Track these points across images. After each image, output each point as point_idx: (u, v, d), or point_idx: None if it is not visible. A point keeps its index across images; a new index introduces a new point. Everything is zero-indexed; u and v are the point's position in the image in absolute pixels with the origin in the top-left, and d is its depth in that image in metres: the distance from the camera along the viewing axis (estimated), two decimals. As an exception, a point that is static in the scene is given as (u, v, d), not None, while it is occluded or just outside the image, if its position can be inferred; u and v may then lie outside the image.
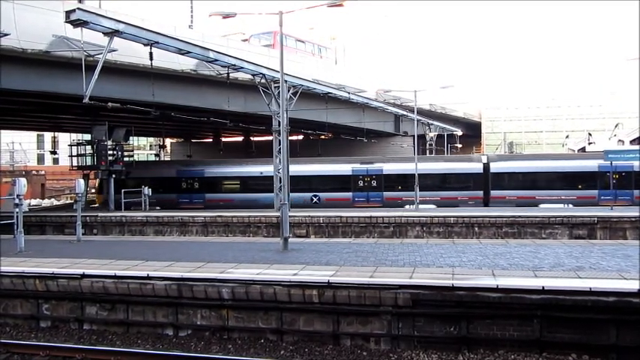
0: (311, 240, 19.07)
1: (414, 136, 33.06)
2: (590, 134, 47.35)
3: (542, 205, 26.64)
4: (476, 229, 21.67)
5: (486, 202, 28.71)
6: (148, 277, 11.19)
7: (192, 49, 22.21)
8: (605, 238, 20.35)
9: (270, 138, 30.64)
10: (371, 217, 22.82)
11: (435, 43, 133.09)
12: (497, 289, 9.57)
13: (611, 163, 25.25)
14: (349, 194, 30.38)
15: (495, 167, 28.94)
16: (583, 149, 45.60)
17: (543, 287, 9.42)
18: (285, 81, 25.51)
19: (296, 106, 27.77)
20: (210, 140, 53.58)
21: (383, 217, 22.74)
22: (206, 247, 15.72)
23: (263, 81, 25.90)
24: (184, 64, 24.90)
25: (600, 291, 9.25)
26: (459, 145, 55.59)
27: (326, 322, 10.35)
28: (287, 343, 10.37)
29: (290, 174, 30.03)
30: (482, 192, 28.80)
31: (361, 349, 10.04)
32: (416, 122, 31.42)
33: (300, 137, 48.85)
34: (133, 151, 33.91)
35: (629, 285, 9.38)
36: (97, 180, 33.30)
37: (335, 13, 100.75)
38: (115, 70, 22.32)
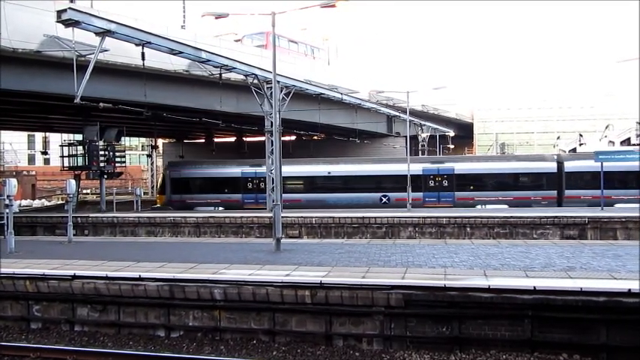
0: (304, 240, 19.08)
1: (406, 136, 33.09)
2: (581, 135, 47.73)
3: (617, 205, 25.94)
4: (468, 229, 21.76)
5: (559, 202, 28.38)
6: (140, 278, 11.14)
7: (184, 50, 22.16)
8: (595, 239, 20.51)
9: (262, 138, 30.64)
10: (363, 217, 22.86)
11: (428, 43, 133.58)
12: (488, 290, 9.61)
13: None
14: (420, 194, 29.81)
15: (569, 166, 28.45)
16: (574, 150, 45.95)
17: (534, 287, 9.46)
18: (278, 81, 25.50)
19: (289, 107, 27.76)
20: (203, 141, 53.46)
21: (375, 217, 22.78)
22: (198, 247, 15.68)
23: (255, 81, 25.89)
24: (177, 64, 24.84)
25: (591, 291, 9.30)
26: (451, 146, 55.83)
27: (318, 323, 10.35)
28: (279, 344, 10.36)
29: (358, 174, 30.72)
30: (555, 192, 28.36)
31: (354, 350, 10.05)
32: (408, 123, 31.54)
33: (293, 138, 48.86)
34: (124, 151, 33.55)
35: (619, 285, 9.45)
36: (159, 179, 32.94)
37: (328, 14, 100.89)
38: (106, 70, 22.22)
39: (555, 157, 29.98)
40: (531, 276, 10.31)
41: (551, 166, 28.67)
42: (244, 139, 50.72)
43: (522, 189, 28.94)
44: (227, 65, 24.46)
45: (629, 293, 9.15)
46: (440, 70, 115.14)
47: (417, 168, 30.00)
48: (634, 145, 32.34)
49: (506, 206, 27.18)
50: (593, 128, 58.82)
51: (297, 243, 16.80)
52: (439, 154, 48.98)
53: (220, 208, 30.37)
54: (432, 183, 29.92)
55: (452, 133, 54.20)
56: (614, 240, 19.22)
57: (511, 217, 21.84)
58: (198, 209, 30.33)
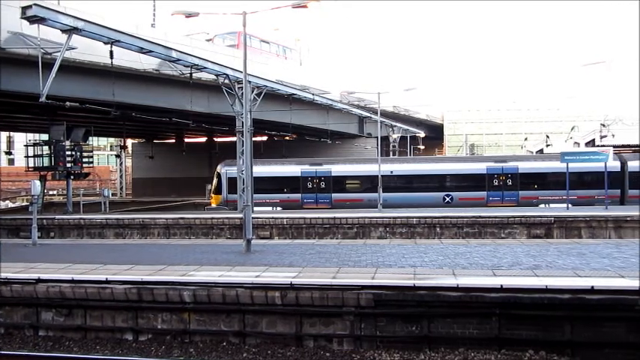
0: (274, 241, 19.03)
1: (377, 137, 33.31)
2: (547, 136, 48.78)
3: None
4: (438, 229, 21.98)
5: (622, 200, 28.35)
6: (107, 281, 10.94)
7: (154, 49, 21.86)
8: (561, 237, 20.94)
9: (234, 139, 30.43)
10: (334, 218, 22.90)
11: (399, 45, 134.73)
12: (457, 289, 9.73)
13: None
14: (483, 193, 29.58)
15: (633, 166, 28.46)
16: (541, 151, 46.94)
17: (502, 286, 9.63)
18: (249, 82, 25.42)
19: (260, 107, 27.65)
20: (173, 141, 52.87)
21: (347, 218, 22.85)
22: (168, 249, 15.49)
23: (227, 81, 25.70)
24: (147, 63, 24.50)
25: (556, 288, 9.51)
26: (422, 147, 56.41)
27: (289, 324, 10.33)
28: (249, 346, 10.31)
29: (421, 173, 30.34)
30: (619, 191, 28.36)
31: (324, 350, 10.05)
32: (379, 124, 31.71)
33: (265, 138, 48.69)
34: (92, 151, 32.86)
35: (583, 282, 9.68)
36: (214, 180, 31.97)
37: (300, 15, 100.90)
38: (74, 69, 21.78)
39: (619, 156, 29.66)
40: (499, 275, 10.48)
41: (615, 166, 28.32)
42: (215, 139, 50.38)
43: (586, 188, 28.52)
44: (198, 65, 24.22)
45: (592, 290, 9.37)
46: (411, 72, 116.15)
47: (480, 167, 30.00)
48: (598, 146, 33.17)
49: (570, 205, 26.80)
50: (560, 130, 60.26)
51: (267, 244, 16.74)
52: (409, 155, 49.45)
53: (278, 208, 29.73)
54: (495, 182, 29.55)
55: (422, 134, 54.78)
56: (578, 239, 19.66)
57: (480, 216, 22.16)
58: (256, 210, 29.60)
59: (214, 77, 26.04)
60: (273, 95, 31.34)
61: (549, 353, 9.39)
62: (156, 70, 25.23)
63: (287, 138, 45.35)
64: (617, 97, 62.10)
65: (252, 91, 26.32)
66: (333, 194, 30.69)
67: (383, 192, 27.07)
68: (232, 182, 30.37)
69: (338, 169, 31.29)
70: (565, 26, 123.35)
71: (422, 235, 21.79)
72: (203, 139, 51.97)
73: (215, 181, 31.83)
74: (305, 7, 17.56)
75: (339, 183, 31.09)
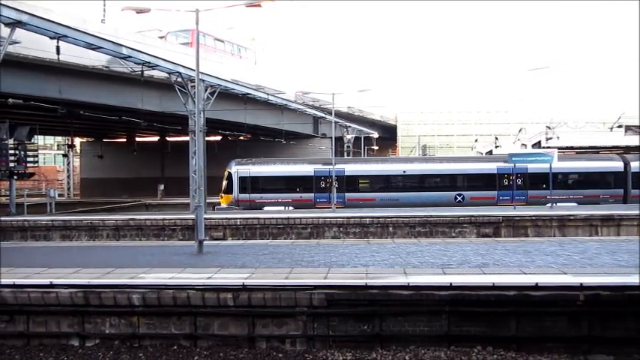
0: (228, 242, 18.85)
1: (332, 137, 33.50)
2: (497, 138, 50.21)
3: None
4: (390, 229, 22.28)
5: (625, 199, 29.17)
6: (52, 285, 10.54)
7: (103, 44, 21.25)
8: (509, 236, 21.56)
9: (186, 138, 29.97)
10: (288, 218, 22.88)
11: (354, 46, 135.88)
12: (408, 287, 9.88)
13: None
14: (494, 193, 29.95)
15: (635, 166, 29.12)
16: (490, 152, 48.26)
17: (451, 283, 9.84)
18: (203, 80, 25.14)
19: (214, 107, 27.36)
20: (124, 140, 51.59)
21: (300, 218, 22.87)
22: (117, 251, 15.10)
23: (180, 80, 25.30)
24: (96, 59, 23.81)
25: (502, 285, 9.78)
26: (376, 148, 57.07)
27: (241, 325, 10.23)
28: (201, 349, 10.15)
29: (434, 172, 30.48)
30: (622, 190, 29.16)
31: (277, 351, 10.01)
32: (333, 124, 31.91)
33: (219, 138, 48.15)
34: (37, 150, 31.64)
35: (528, 279, 10.00)
36: (224, 179, 31.20)
37: (255, 14, 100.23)
38: (17, 64, 20.93)
39: (622, 157, 30.68)
40: (448, 273, 10.70)
41: (619, 166, 29.59)
42: (168, 138, 49.47)
43: (592, 187, 29.52)
44: (150, 62, 23.73)
45: (536, 287, 9.69)
46: (366, 73, 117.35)
47: (491, 167, 30.43)
48: (544, 147, 34.38)
49: (575, 204, 27.75)
50: (508, 132, 62.15)
51: (220, 245, 16.55)
52: (363, 155, 49.93)
53: (290, 208, 29.50)
54: (505, 182, 30.00)
55: (376, 135, 55.41)
56: (525, 237, 20.31)
57: (431, 216, 22.60)
58: (266, 209, 29.15)
59: (167, 75, 25.58)
60: (228, 94, 31.06)
61: (496, 348, 9.65)
62: (105, 67, 24.56)
63: (242, 138, 45.04)
64: (562, 100, 64.66)
65: (206, 90, 26.01)
66: (346, 194, 30.30)
67: (395, 192, 27.46)
68: (244, 182, 30.43)
69: (351, 169, 31.25)
70: (514, 30, 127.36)
71: (375, 235, 22.03)
72: (155, 139, 50.91)
73: (225, 180, 31.31)
74: (259, 6, 17.51)
75: (352, 182, 30.87)
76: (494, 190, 30.13)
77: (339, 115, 42.65)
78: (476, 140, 62.61)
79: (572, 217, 22.48)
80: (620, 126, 29.72)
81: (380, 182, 31.02)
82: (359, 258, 12.72)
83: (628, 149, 37.66)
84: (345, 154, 47.70)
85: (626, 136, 29.92)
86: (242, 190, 30.57)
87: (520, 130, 50.29)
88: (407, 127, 71.61)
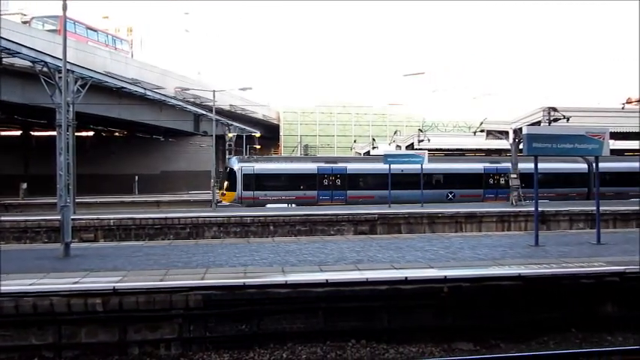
0: (99, 244, 17.78)
1: (213, 135, 32.93)
2: (374, 139, 52.40)
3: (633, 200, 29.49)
4: (271, 227, 22.38)
5: (588, 196, 31.86)
6: None
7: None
8: (383, 233, 22.59)
9: (54, 133, 27.81)
10: (166, 218, 22.12)
11: (237, 45, 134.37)
12: (286, 285, 9.98)
13: None
14: (480, 191, 32.65)
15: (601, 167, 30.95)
16: (368, 153, 50.24)
17: (327, 280, 10.09)
18: (72, 71, 23.49)
19: (85, 100, 25.63)
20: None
21: (179, 218, 22.21)
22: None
23: (46, 69, 23.35)
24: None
25: (375, 281, 10.22)
26: (258, 147, 57.00)
27: (111, 332, 9.69)
28: (66, 359, 9.47)
29: (430, 172, 31.00)
30: (586, 189, 31.76)
31: (150, 356, 9.61)
32: (214, 122, 31.38)
33: (91, 134, 45.31)
34: None
35: (399, 274, 10.55)
36: (227, 176, 31.32)
37: (132, 4, 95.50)
38: None
39: (585, 160, 33.25)
40: (325, 270, 10.98)
41: (584, 167, 33.06)
42: (33, 133, 45.62)
43: (562, 186, 32.81)
44: (10, 49, 21.67)
45: (406, 281, 10.25)
46: (251, 72, 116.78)
47: (479, 167, 33.17)
48: (416, 149, 36.42)
49: (547, 201, 29.71)
50: (384, 133, 65.20)
51: (90, 247, 15.55)
52: (245, 154, 49.65)
53: (293, 205, 29.82)
54: (491, 181, 32.65)
55: (258, 134, 55.34)
56: (398, 234, 21.41)
57: (311, 214, 23.04)
58: (270, 206, 29.17)
59: (31, 64, 23.51)
60: (101, 87, 29.30)
61: (369, 342, 10.05)
62: (-45, 52, 22.05)
63: (117, 134, 42.80)
64: (435, 104, 69.11)
65: (76, 82, 24.31)
66: (348, 191, 31.81)
67: (394, 189, 28.78)
68: (248, 179, 30.65)
69: (353, 167, 32.76)
70: (391, 36, 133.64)
71: (256, 234, 21.99)
72: (17, 133, 46.68)
73: (228, 177, 31.58)
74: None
75: (354, 180, 32.26)
76: (481, 188, 33.17)
77: (221, 113, 41.99)
78: (354, 141, 64.91)
79: (440, 215, 24.08)
80: (482, 130, 32.33)
81: (379, 180, 31.77)
82: (238, 257, 12.62)
83: (489, 152, 41.28)
84: (227, 152, 47.14)
85: (487, 140, 32.63)
86: (246, 187, 30.79)
87: (395, 132, 52.97)
88: (289, 127, 72.41)
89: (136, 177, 46.27)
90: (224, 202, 31.58)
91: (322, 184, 31.83)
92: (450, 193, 32.73)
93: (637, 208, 24.80)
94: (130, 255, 13.19)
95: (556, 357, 8.98)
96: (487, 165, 33.81)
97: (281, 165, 32.82)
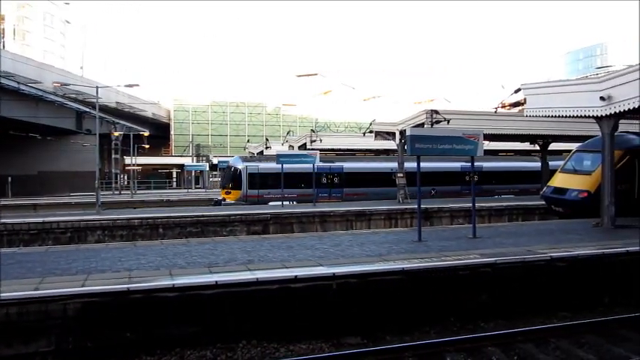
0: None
1: (96, 134, 31.17)
2: (267, 139, 52.47)
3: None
4: (160, 230, 21.68)
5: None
6: None
7: None
8: (276, 233, 22.71)
9: None
10: (44, 222, 20.62)
11: (123, 39, 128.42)
12: (173, 289, 9.70)
13: None
14: (458, 187, 36.37)
15: (551, 165, 33.58)
16: (261, 153, 50.21)
17: (216, 282, 9.94)
18: None
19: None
20: None
21: (59, 222, 20.79)
22: None
23: None
24: None
25: (266, 280, 10.24)
26: (147, 146, 54.86)
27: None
28: None
29: (414, 171, 30.00)
30: (540, 185, 33.66)
31: (23, 372, 8.90)
32: (97, 120, 29.71)
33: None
34: None
35: (289, 273, 10.64)
36: (231, 175, 33.14)
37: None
38: None
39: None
40: (215, 271, 10.81)
41: (537, 165, 35.81)
42: None
43: (523, 182, 37.81)
44: None
45: (296, 279, 10.37)
46: (140, 69, 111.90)
47: (456, 165, 36.73)
48: (309, 149, 36.96)
49: (512, 196, 35.10)
50: (278, 133, 65.51)
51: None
52: (133, 154, 47.54)
53: (294, 203, 31.88)
54: (467, 178, 36.28)
55: (147, 133, 53.24)
56: (290, 233, 21.62)
57: (202, 215, 22.61)
58: (271, 204, 30.63)
59: None
60: (-35, 80, 26.67)
61: (260, 341, 10.06)
62: None
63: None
64: (326, 106, 70.57)
65: None
66: (344, 189, 35.05)
67: (383, 187, 32.59)
68: (253, 178, 32.92)
69: (349, 166, 36.09)
70: (285, 37, 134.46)
71: (144, 237, 21.19)
72: None
73: (232, 176, 33.75)
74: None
75: (350, 178, 35.38)
76: (459, 185, 36.86)
77: (106, 110, 39.90)
78: (248, 141, 64.58)
79: (331, 214, 24.67)
80: (371, 131, 33.55)
81: (373, 178, 35.39)
82: (122, 262, 12.05)
83: (378, 152, 42.91)
84: (113, 152, 44.84)
85: (376, 140, 33.90)
86: (251, 185, 33.03)
87: (288, 132, 53.41)
88: (180, 126, 70.40)
89: (9, 178, 42.67)
90: (228, 200, 33.53)
91: (320, 182, 34.21)
92: (433, 189, 35.35)
93: (509, 204, 27.08)
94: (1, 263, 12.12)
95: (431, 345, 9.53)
96: (464, 164, 36.78)
97: (284, 165, 34.03)
